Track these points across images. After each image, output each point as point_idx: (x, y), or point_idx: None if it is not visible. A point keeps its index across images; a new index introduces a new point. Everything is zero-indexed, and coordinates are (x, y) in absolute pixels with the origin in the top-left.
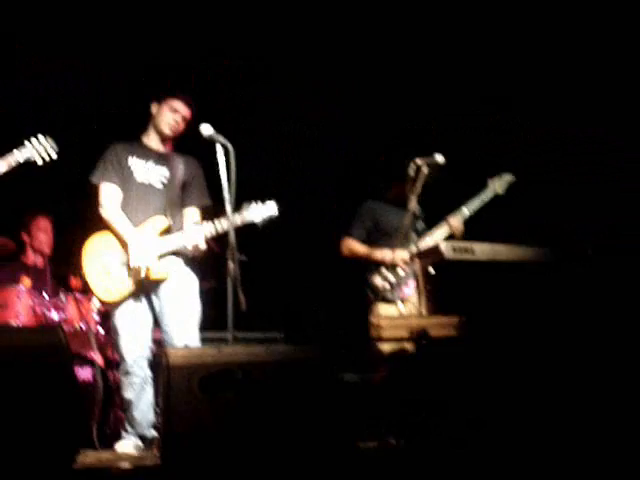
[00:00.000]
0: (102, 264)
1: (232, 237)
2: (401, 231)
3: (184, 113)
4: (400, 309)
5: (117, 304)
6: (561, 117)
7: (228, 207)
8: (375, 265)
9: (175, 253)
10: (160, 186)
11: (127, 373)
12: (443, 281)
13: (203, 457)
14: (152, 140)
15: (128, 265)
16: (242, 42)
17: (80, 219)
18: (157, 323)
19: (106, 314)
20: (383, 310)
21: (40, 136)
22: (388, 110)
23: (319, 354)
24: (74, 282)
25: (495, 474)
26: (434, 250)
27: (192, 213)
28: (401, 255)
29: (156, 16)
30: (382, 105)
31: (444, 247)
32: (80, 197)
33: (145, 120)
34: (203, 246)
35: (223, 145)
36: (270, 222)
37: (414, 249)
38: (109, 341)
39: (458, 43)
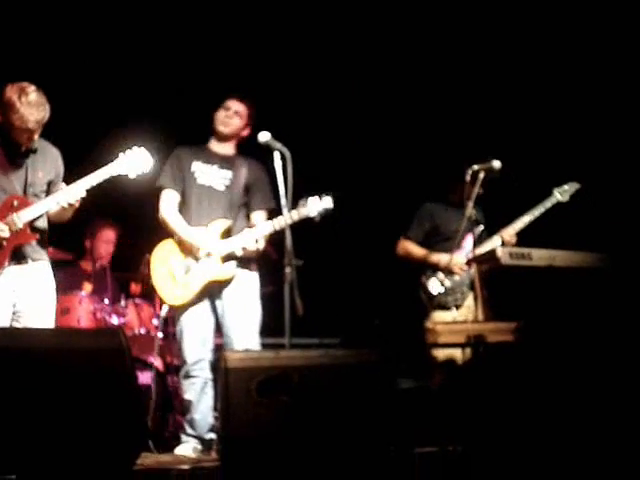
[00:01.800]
0: (167, 269)
1: (289, 243)
2: (458, 235)
3: (236, 108)
4: (455, 315)
5: (184, 308)
6: (624, 121)
7: (285, 212)
8: (431, 269)
9: (237, 256)
10: (222, 188)
11: (188, 375)
12: (500, 286)
13: (261, 459)
14: (215, 145)
15: (192, 268)
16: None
17: (142, 226)
18: (218, 328)
19: (165, 319)
20: (438, 316)
21: (135, 148)
22: (449, 111)
23: (376, 359)
24: (134, 288)
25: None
26: (491, 255)
27: (259, 216)
28: (457, 260)
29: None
30: (442, 106)
31: (501, 252)
32: (141, 205)
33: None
34: (253, 247)
35: (280, 151)
36: (326, 216)
37: (471, 254)
38: (168, 346)
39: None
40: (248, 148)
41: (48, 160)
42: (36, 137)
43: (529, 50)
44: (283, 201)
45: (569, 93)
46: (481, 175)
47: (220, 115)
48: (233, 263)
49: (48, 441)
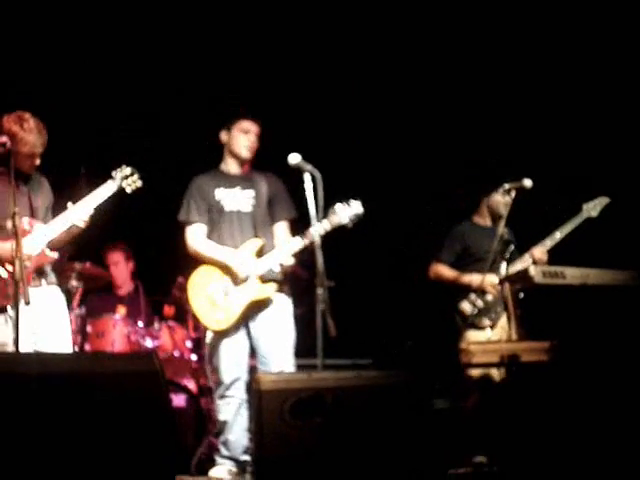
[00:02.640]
0: (206, 296)
1: (320, 263)
2: (490, 256)
3: (255, 130)
4: (488, 335)
5: (228, 332)
6: None
7: (317, 236)
8: (463, 290)
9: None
10: (249, 209)
11: (224, 395)
12: (534, 305)
13: None
14: (231, 166)
15: (231, 290)
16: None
17: (172, 249)
18: (252, 350)
19: (199, 341)
20: (472, 336)
21: (124, 167)
22: (478, 131)
23: (409, 380)
24: (167, 310)
25: None
26: (524, 274)
27: (282, 227)
28: (490, 280)
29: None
30: (471, 126)
31: (534, 271)
32: (169, 228)
33: (218, 149)
34: (290, 261)
35: (311, 173)
36: (358, 221)
37: (503, 274)
38: (202, 368)
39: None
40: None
41: (42, 187)
42: (38, 162)
43: (553, 69)
44: (314, 222)
45: (596, 110)
46: (512, 194)
47: (241, 140)
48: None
49: (83, 465)
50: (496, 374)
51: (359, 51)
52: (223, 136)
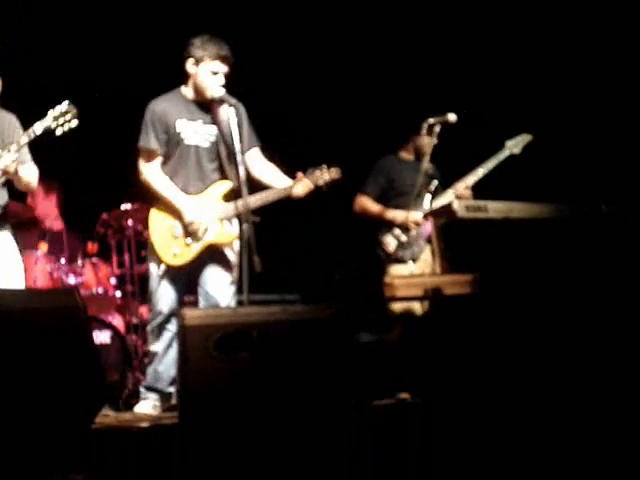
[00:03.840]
0: (168, 227)
1: (245, 198)
2: (414, 190)
3: (225, 71)
4: (411, 268)
5: (181, 267)
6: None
7: (241, 169)
8: (387, 224)
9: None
10: (207, 145)
11: (161, 326)
12: (457, 239)
13: (220, 416)
14: (192, 93)
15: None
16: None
17: (95, 185)
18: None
19: (123, 278)
20: (395, 270)
21: (64, 103)
22: (402, 66)
23: (334, 314)
24: (91, 247)
25: (509, 429)
26: (447, 209)
27: (256, 154)
28: (413, 216)
29: None
30: (396, 61)
31: (457, 206)
32: (92, 163)
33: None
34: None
35: (234, 106)
36: (333, 186)
37: (427, 209)
38: (127, 304)
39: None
40: None
41: (3, 127)
42: None
43: (478, 4)
44: (239, 157)
45: (518, 45)
46: (437, 128)
47: (209, 82)
48: (234, 224)
49: (4, 404)
50: (419, 307)
51: None
52: (189, 66)
